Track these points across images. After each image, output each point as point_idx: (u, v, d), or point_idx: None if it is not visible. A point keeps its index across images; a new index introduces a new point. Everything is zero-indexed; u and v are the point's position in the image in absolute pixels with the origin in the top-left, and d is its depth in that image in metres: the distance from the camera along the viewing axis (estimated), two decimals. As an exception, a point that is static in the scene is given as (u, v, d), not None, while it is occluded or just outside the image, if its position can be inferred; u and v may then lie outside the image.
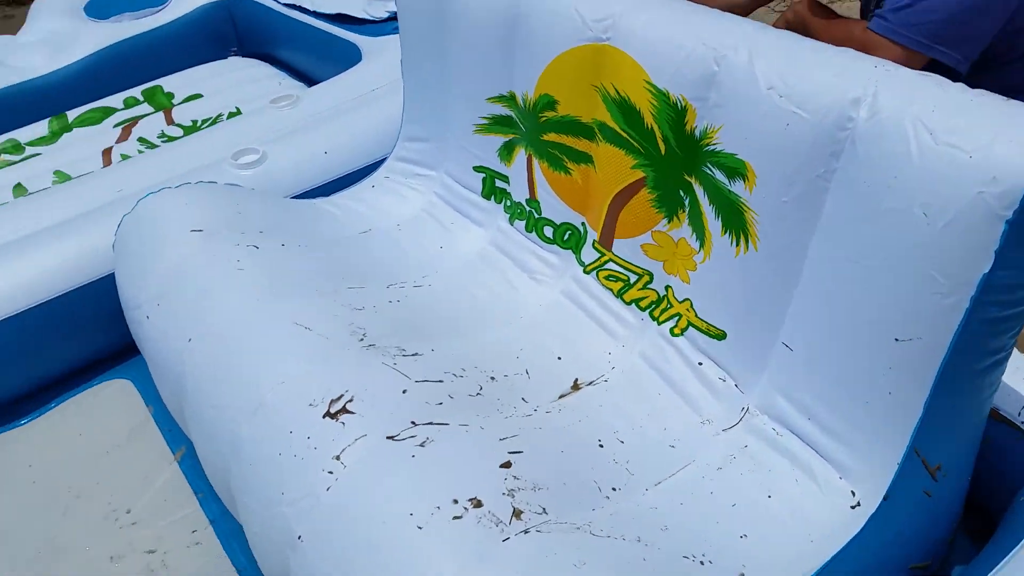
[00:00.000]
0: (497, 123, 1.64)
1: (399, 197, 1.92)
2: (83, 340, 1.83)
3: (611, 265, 1.48)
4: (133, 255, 1.60)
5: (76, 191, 1.99)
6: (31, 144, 2.65)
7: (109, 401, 1.81)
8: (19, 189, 2.39)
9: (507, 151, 1.66)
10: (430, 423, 1.10)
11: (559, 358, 1.40)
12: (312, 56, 2.85)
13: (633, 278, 1.44)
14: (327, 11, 2.70)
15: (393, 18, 2.57)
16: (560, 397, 1.30)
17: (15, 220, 1.90)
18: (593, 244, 1.51)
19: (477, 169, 1.75)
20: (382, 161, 2.04)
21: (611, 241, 1.47)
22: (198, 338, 1.35)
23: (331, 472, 1.06)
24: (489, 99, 1.63)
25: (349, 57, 2.57)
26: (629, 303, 1.44)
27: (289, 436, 1.13)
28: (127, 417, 1.76)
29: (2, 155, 2.59)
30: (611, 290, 1.47)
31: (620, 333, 1.43)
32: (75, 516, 1.56)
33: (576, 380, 1.34)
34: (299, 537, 1.05)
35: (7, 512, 1.58)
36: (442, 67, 1.73)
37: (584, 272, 1.53)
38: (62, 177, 2.41)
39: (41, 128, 2.72)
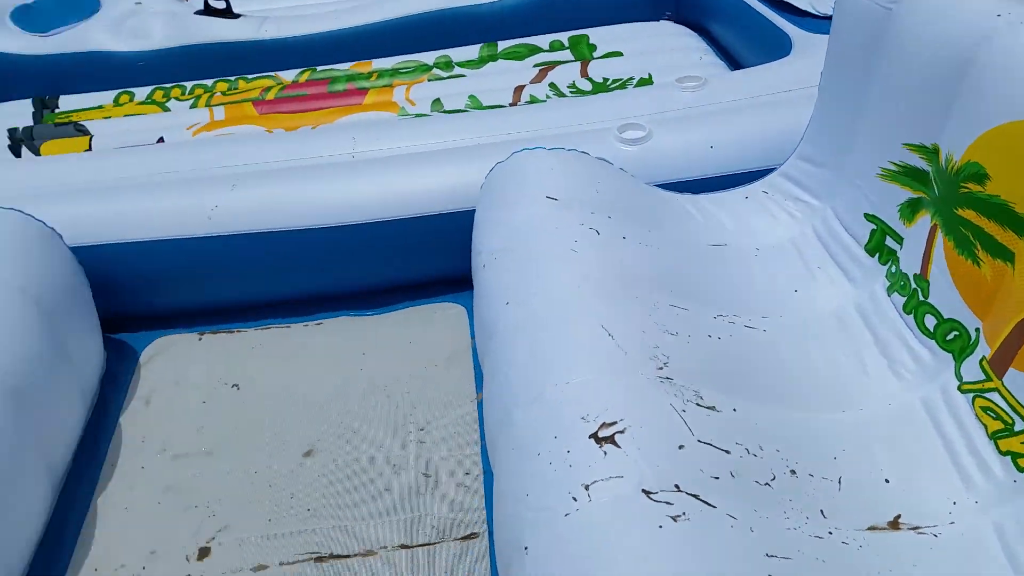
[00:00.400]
0: (907, 174, 1.39)
1: (770, 218, 1.75)
2: (438, 259, 1.96)
3: (995, 397, 1.15)
4: (492, 203, 1.65)
5: (473, 121, 2.11)
6: (460, 64, 2.87)
7: (442, 321, 1.94)
8: (436, 104, 2.61)
9: (910, 210, 1.40)
10: (695, 496, 0.97)
11: (887, 480, 1.14)
12: (742, 36, 2.70)
13: (1020, 425, 1.11)
14: (772, -4, 2.52)
15: (837, 17, 2.32)
16: (870, 529, 1.06)
17: (417, 134, 2.07)
18: (981, 361, 1.19)
19: (868, 217, 1.51)
20: (766, 171, 1.87)
21: (1005, 368, 1.14)
22: (514, 304, 1.36)
23: (575, 499, 0.99)
24: (907, 145, 1.38)
25: (778, 47, 2.38)
26: (1004, 454, 1.12)
27: (552, 441, 1.09)
28: (451, 341, 1.88)
29: (434, 69, 2.84)
30: (984, 427, 1.15)
31: (979, 485, 1.12)
32: (380, 414, 1.71)
33: (898, 517, 1.09)
34: (525, 548, 1.02)
35: (328, 386, 1.77)
36: (863, 92, 1.50)
37: (958, 389, 1.22)
38: (474, 102, 2.59)
39: (472, 52, 2.93)
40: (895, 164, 1.42)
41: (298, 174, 1.91)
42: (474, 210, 1.83)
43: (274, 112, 2.66)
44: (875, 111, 1.48)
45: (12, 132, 2.64)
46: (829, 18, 2.31)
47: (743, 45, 2.70)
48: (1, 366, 1.36)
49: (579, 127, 2.02)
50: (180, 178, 1.92)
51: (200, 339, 1.91)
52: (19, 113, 2.80)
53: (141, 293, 1.88)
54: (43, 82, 2.93)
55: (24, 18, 3.03)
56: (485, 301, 1.46)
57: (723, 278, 1.57)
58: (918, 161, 1.36)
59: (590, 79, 2.67)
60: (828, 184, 1.68)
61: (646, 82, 2.61)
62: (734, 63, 2.77)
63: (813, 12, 2.36)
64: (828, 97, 1.65)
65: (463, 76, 2.80)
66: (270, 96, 2.74)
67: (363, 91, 2.75)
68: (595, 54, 2.85)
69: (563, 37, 2.96)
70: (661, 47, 2.85)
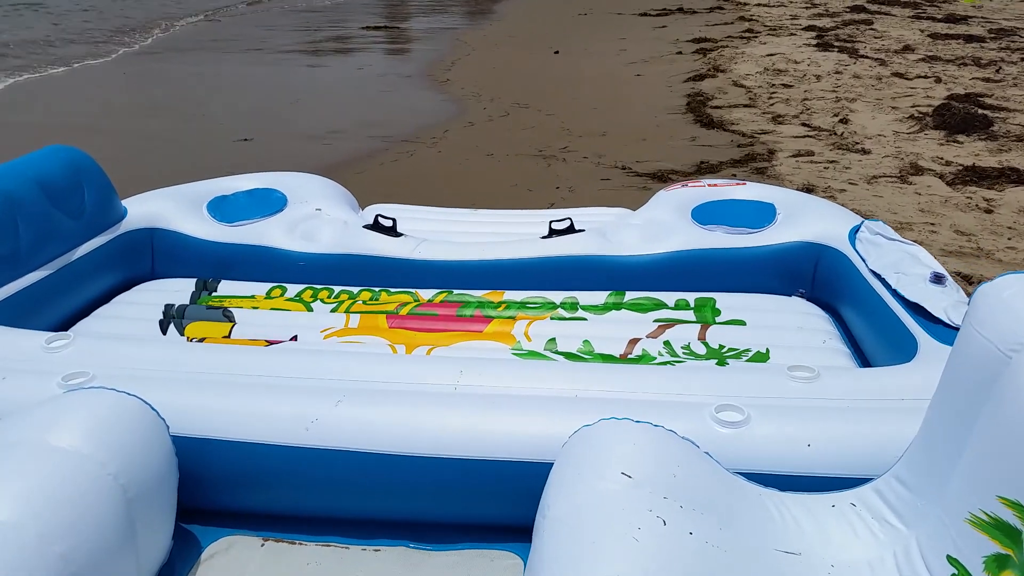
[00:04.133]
0: (998, 529, 1.27)
1: (852, 533, 1.63)
2: (506, 504, 1.95)
3: None
4: (568, 467, 1.64)
5: (574, 372, 2.15)
6: (585, 308, 2.97)
7: (497, 571, 1.89)
8: (551, 343, 2.69)
9: (996, 566, 1.27)
10: None
11: None
12: (872, 329, 2.64)
13: None
14: (907, 295, 2.47)
15: (970, 329, 2.23)
16: None
17: (519, 375, 2.13)
18: None
19: (951, 560, 1.38)
20: (861, 479, 1.77)
21: None
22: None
23: None
24: (1002, 499, 1.27)
25: (904, 349, 2.32)
26: None
27: None
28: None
29: (559, 308, 2.96)
30: None
31: None
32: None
33: None
34: None
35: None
36: (968, 430, 1.42)
37: None
38: (587, 347, 2.65)
39: (599, 297, 3.03)
40: (987, 515, 1.31)
41: (399, 400, 1.99)
42: (546, 463, 1.83)
43: (402, 327, 2.83)
44: (976, 454, 1.39)
45: (168, 308, 2.95)
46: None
47: (870, 338, 2.64)
48: (72, 550, 1.44)
49: (677, 397, 2.01)
50: (293, 384, 2.05)
51: (263, 545, 1.95)
52: (182, 290, 3.14)
53: (221, 490, 1.97)
54: (215, 266, 3.29)
55: (218, 208, 3.45)
56: (541, 569, 1.42)
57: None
58: (1012, 518, 1.25)
59: (706, 343, 2.68)
60: (918, 512, 1.56)
61: (762, 357, 2.59)
62: (858, 352, 2.70)
63: (946, 321, 2.29)
64: (934, 424, 1.57)
65: (584, 320, 2.90)
66: (403, 312, 2.94)
67: (487, 319, 2.89)
68: (718, 319, 2.87)
69: (690, 297, 3.01)
70: (787, 324, 2.84)
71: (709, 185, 3.52)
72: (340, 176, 3.99)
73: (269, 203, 3.49)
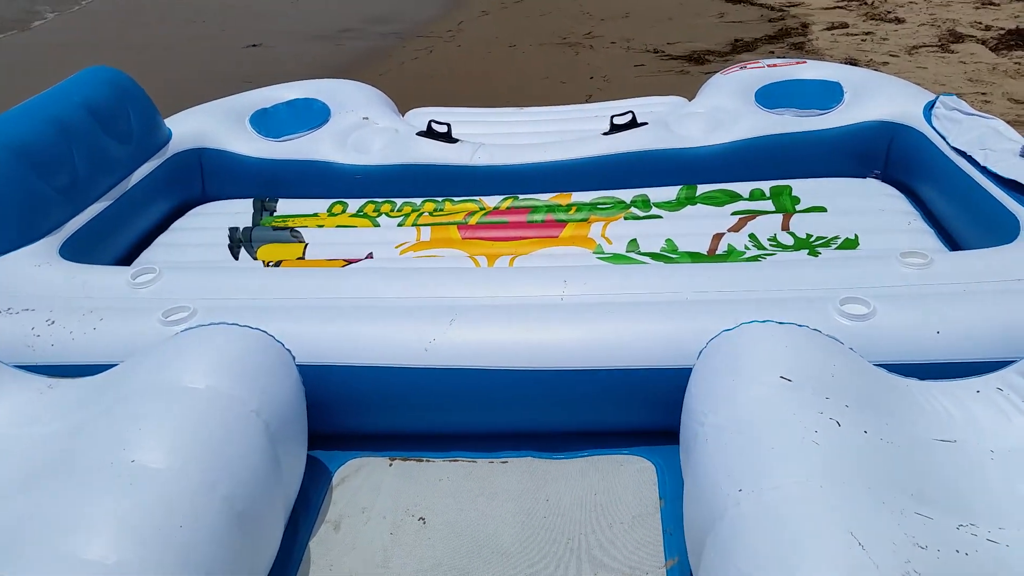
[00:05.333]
0: None
1: (1003, 418, 1.62)
2: (633, 412, 1.94)
3: None
4: (716, 372, 1.61)
5: (685, 275, 2.10)
6: (658, 205, 2.90)
7: (629, 475, 1.90)
8: (632, 244, 2.64)
9: None
10: None
11: None
12: (961, 210, 2.57)
13: None
14: (1001, 172, 2.40)
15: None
16: None
17: (627, 282, 2.08)
18: None
19: None
20: (999, 364, 1.75)
21: None
22: (748, 492, 1.30)
23: None
24: None
25: (1004, 229, 2.26)
26: None
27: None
28: (638, 499, 1.83)
29: (631, 207, 2.88)
30: None
31: None
32: (562, 572, 1.67)
33: None
34: None
35: (511, 532, 1.76)
36: None
37: None
38: (670, 246, 2.60)
39: (671, 193, 2.96)
40: None
41: (510, 313, 1.95)
42: (679, 368, 1.81)
43: (476, 238, 2.77)
44: None
45: (233, 232, 2.87)
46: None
47: (961, 218, 2.57)
48: (232, 491, 1.42)
49: (797, 293, 1.98)
50: (401, 305, 2.00)
51: (391, 464, 1.95)
52: (241, 212, 3.06)
53: (345, 414, 1.95)
54: (267, 184, 3.19)
55: (261, 122, 3.33)
56: (708, 480, 1.41)
57: (959, 481, 1.45)
58: None
59: (792, 234, 2.63)
60: (1076, 393, 1.54)
61: (852, 243, 2.55)
62: (943, 232, 2.65)
63: (1051, 196, 2.23)
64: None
65: (660, 218, 2.83)
66: (473, 221, 2.87)
67: (561, 224, 2.82)
68: (798, 207, 2.81)
69: (764, 186, 2.94)
70: (867, 207, 2.78)
71: (769, 66, 3.38)
72: (363, 78, 3.83)
73: (313, 114, 3.36)
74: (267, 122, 3.32)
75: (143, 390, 1.59)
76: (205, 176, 3.24)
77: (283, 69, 5.61)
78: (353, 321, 1.93)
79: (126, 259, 2.80)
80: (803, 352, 1.58)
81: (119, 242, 2.79)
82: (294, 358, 1.81)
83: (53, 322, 2.00)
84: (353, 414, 1.96)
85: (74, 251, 2.47)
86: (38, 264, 2.28)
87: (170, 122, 3.21)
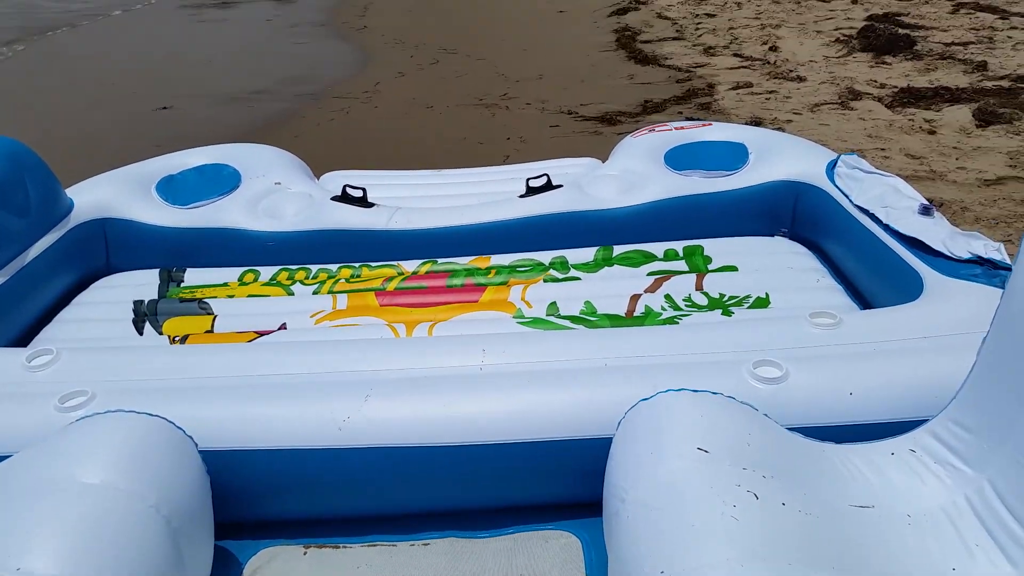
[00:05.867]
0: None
1: (917, 480, 1.65)
2: (556, 484, 1.91)
3: None
4: (634, 444, 1.60)
5: (600, 340, 2.09)
6: (576, 267, 2.92)
7: (555, 551, 1.85)
8: (552, 307, 2.63)
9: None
10: None
11: None
12: (866, 267, 2.67)
13: None
14: (901, 230, 2.50)
15: (973, 261, 2.28)
16: None
17: (544, 349, 2.06)
18: None
19: (1037, 502, 1.41)
20: (907, 423, 1.79)
21: None
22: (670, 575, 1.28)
23: None
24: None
25: (909, 286, 2.34)
26: None
27: None
28: (564, 574, 1.78)
29: (550, 270, 2.89)
30: None
31: None
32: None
33: None
34: None
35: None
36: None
37: None
38: (590, 308, 2.60)
39: (588, 254, 2.98)
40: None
41: (428, 386, 1.90)
42: (599, 438, 1.79)
43: (394, 304, 2.72)
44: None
45: (137, 305, 2.75)
46: (964, 262, 2.30)
47: (867, 276, 2.66)
48: None
49: (709, 356, 1.99)
50: (310, 381, 1.93)
51: (305, 553, 1.86)
52: (147, 283, 2.94)
53: (255, 501, 1.86)
54: (175, 254, 3.08)
55: (168, 189, 3.22)
56: (632, 560, 1.39)
57: (878, 548, 1.46)
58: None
59: (706, 293, 2.68)
60: (982, 453, 1.58)
61: (763, 302, 2.60)
62: (851, 287, 2.74)
63: (947, 254, 2.32)
64: (992, 363, 1.58)
65: (578, 279, 2.84)
66: (391, 287, 2.82)
67: (480, 288, 2.80)
68: (710, 266, 2.86)
69: (678, 246, 2.99)
70: (777, 264, 2.85)
71: (676, 128, 3.48)
72: (277, 141, 3.78)
73: (222, 180, 3.28)
74: (175, 189, 3.22)
75: (34, 487, 1.48)
76: (110, 247, 3.11)
77: (194, 131, 5.49)
78: (261, 401, 1.85)
79: (26, 336, 2.65)
80: (719, 422, 1.58)
81: (17, 320, 2.64)
82: (196, 445, 1.72)
83: (-63, 410, 1.86)
84: (263, 501, 1.87)
85: (-37, 332, 2.33)
86: (-79, 347, 2.13)
87: (72, 191, 3.08)
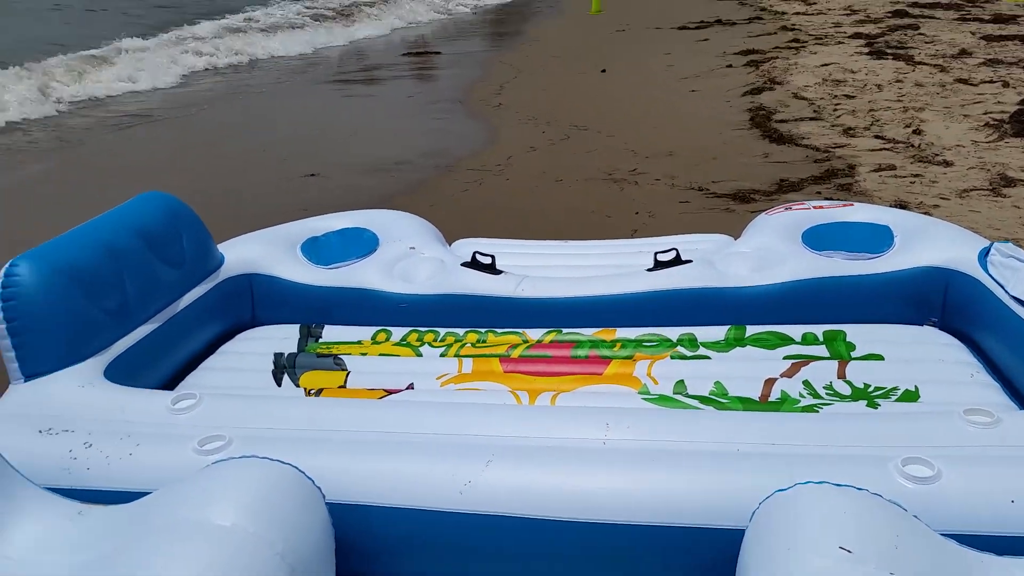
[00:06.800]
0: None
1: (1095, 603, 1.47)
2: (680, 571, 1.81)
3: None
4: (770, 537, 1.51)
5: (734, 424, 2.01)
6: (705, 345, 2.83)
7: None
8: (679, 385, 2.56)
9: None
10: None
11: None
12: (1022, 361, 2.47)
13: None
14: (1064, 324, 2.31)
15: None
16: None
17: (671, 428, 2.00)
18: None
19: None
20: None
21: None
22: None
23: None
24: None
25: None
26: None
27: None
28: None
29: (678, 346, 2.82)
30: None
31: None
32: None
33: None
34: None
35: None
36: None
37: None
38: (720, 389, 2.51)
39: (719, 332, 2.89)
40: None
41: (549, 456, 1.88)
42: (727, 529, 1.70)
43: (518, 372, 2.72)
44: None
45: (278, 358, 2.88)
46: None
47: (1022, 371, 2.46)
48: None
49: (853, 449, 1.87)
50: (435, 442, 1.94)
51: (420, 613, 1.84)
52: (287, 337, 3.07)
53: (375, 557, 1.86)
54: (315, 311, 3.22)
55: (311, 250, 3.39)
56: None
57: None
58: None
59: (848, 382, 2.54)
60: None
61: (912, 395, 2.44)
62: (1008, 385, 2.53)
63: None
64: None
65: (708, 358, 2.76)
66: (515, 354, 2.83)
67: (605, 360, 2.77)
68: (853, 354, 2.72)
69: (817, 330, 2.86)
70: (927, 357, 2.68)
71: (815, 208, 3.37)
72: (414, 209, 3.91)
73: (362, 243, 3.42)
74: (318, 250, 3.38)
75: (170, 525, 1.54)
76: (255, 301, 3.28)
77: (338, 197, 5.78)
78: (387, 457, 1.88)
79: (172, 381, 2.81)
80: (864, 520, 1.47)
81: (165, 365, 2.81)
82: (324, 496, 1.75)
83: (91, 445, 1.99)
84: (381, 557, 1.87)
85: (119, 373, 2.48)
86: (82, 385, 2.29)
87: (224, 247, 3.28)
